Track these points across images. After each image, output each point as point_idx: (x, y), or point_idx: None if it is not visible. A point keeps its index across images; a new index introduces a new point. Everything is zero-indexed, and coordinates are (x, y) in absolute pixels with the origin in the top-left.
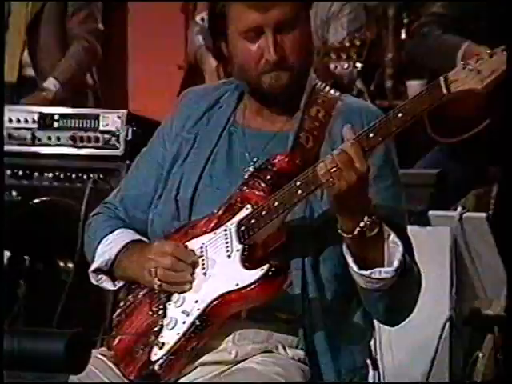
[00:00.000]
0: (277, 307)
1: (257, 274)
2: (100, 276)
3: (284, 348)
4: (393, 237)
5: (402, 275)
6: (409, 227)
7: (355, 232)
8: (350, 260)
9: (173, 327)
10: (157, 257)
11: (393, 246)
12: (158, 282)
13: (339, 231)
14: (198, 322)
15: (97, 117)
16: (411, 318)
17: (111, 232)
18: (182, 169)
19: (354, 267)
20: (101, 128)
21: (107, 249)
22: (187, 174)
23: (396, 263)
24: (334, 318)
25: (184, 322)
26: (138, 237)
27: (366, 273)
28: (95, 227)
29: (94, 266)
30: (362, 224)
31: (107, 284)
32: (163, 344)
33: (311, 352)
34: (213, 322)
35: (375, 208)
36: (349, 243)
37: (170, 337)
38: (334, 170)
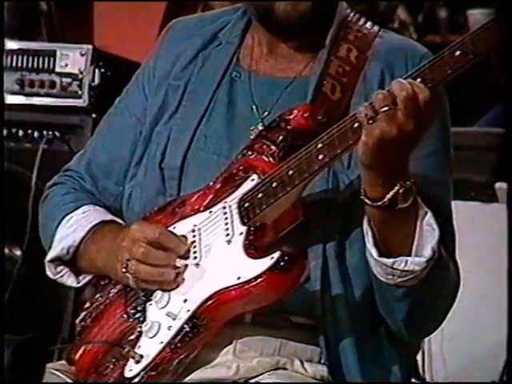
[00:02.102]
0: (291, 308)
1: (265, 264)
2: (60, 268)
3: (301, 363)
4: (429, 217)
5: (435, 271)
6: (469, 203)
7: (386, 199)
8: (369, 241)
9: (154, 335)
10: (130, 244)
11: (427, 229)
12: (134, 279)
13: (362, 197)
14: (187, 328)
15: (53, 54)
16: (470, 322)
17: (75, 209)
18: (168, 127)
19: (373, 252)
20: (58, 69)
21: (70, 231)
22: (175, 134)
23: (428, 252)
24: (366, 323)
25: (169, 328)
26: (110, 216)
27: (388, 261)
28: (53, 203)
29: (51, 255)
30: (395, 188)
31: (69, 279)
32: (142, 356)
33: (336, 367)
34: (207, 328)
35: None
36: (372, 216)
37: (150, 347)
38: (385, 108)
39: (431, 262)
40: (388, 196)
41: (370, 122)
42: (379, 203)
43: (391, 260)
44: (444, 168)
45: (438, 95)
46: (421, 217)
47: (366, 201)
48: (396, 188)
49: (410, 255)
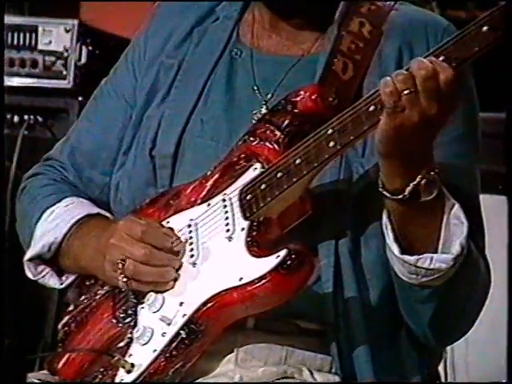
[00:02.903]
0: (298, 312)
1: (269, 263)
2: (41, 268)
3: (311, 372)
4: (457, 209)
5: (464, 269)
6: (496, 197)
7: (406, 192)
8: (389, 237)
9: (147, 342)
10: (123, 242)
11: (455, 224)
12: (125, 279)
13: (380, 189)
14: (183, 334)
15: (34, 29)
16: (498, 328)
17: (56, 202)
18: (159, 110)
19: (395, 249)
20: (40, 46)
21: (51, 227)
22: (168, 119)
23: (456, 248)
24: (384, 329)
25: (163, 334)
26: (96, 210)
27: (412, 259)
28: (32, 195)
29: (31, 253)
30: (417, 179)
31: (51, 279)
32: (133, 366)
33: (349, 377)
34: (205, 334)
35: None
36: (393, 210)
37: (142, 355)
38: (406, 91)
39: (460, 259)
40: (409, 188)
41: (397, 108)
42: (399, 196)
43: (414, 257)
44: (470, 156)
45: (462, 75)
46: (447, 209)
47: (385, 193)
48: (418, 179)
49: (435, 252)
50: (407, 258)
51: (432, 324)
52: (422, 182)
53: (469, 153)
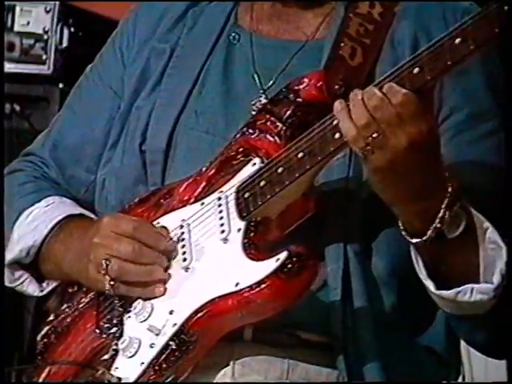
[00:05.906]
0: (300, 322)
1: (268, 266)
2: (18, 273)
3: None
4: (491, 233)
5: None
6: None
7: (427, 235)
8: (422, 274)
9: (134, 354)
10: (108, 240)
11: (492, 248)
12: (111, 282)
13: (402, 232)
14: (173, 345)
15: (11, 9)
16: None
17: (36, 202)
18: (150, 100)
19: (430, 285)
20: (17, 28)
21: (30, 229)
22: (159, 110)
23: (497, 278)
24: (397, 342)
25: (152, 346)
26: (79, 210)
27: (450, 294)
28: (10, 194)
29: (7, 258)
30: (438, 219)
31: (29, 287)
32: (120, 380)
33: None
34: (197, 345)
35: (453, 174)
36: (420, 249)
37: (129, 368)
38: (375, 135)
39: (500, 288)
40: (430, 230)
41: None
42: (423, 239)
43: (453, 292)
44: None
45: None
46: (481, 237)
47: (407, 237)
48: (438, 218)
49: (477, 281)
50: (445, 293)
51: (487, 346)
52: (445, 217)
53: (499, 147)
